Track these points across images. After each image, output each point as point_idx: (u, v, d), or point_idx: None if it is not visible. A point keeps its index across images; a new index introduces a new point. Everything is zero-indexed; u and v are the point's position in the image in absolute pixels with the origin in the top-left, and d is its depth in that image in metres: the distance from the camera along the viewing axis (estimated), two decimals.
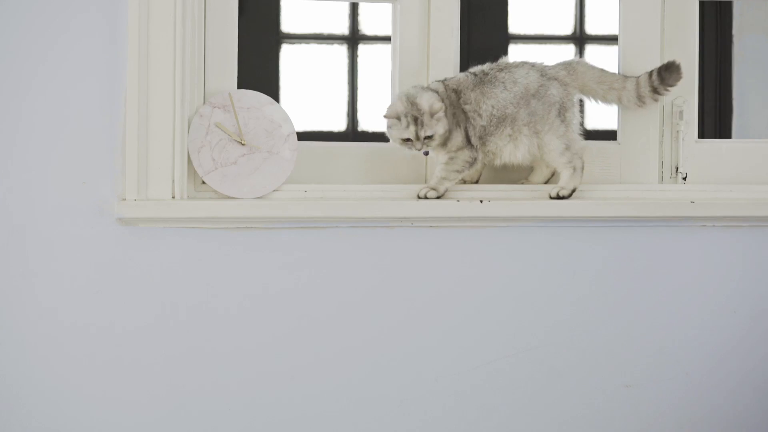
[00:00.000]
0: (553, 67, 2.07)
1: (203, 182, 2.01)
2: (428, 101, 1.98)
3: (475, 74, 2.04)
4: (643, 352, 2.08)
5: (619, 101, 2.09)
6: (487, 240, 2.04)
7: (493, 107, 2.02)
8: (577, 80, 2.07)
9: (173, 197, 1.95)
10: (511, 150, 2.03)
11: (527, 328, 2.05)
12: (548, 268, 2.05)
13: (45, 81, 1.93)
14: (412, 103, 1.98)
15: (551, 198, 2.02)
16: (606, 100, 2.10)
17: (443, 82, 2.04)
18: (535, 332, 2.06)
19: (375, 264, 2.02)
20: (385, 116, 2.00)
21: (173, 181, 1.95)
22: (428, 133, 1.98)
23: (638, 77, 2.08)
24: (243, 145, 2.00)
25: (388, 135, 2.01)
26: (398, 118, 1.98)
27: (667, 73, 2.07)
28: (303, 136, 2.13)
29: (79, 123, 1.94)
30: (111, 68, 1.94)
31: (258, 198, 1.99)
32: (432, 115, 1.97)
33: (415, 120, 1.97)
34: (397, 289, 2.02)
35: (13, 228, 1.94)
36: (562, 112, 2.03)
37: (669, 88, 2.08)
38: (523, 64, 2.05)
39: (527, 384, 2.06)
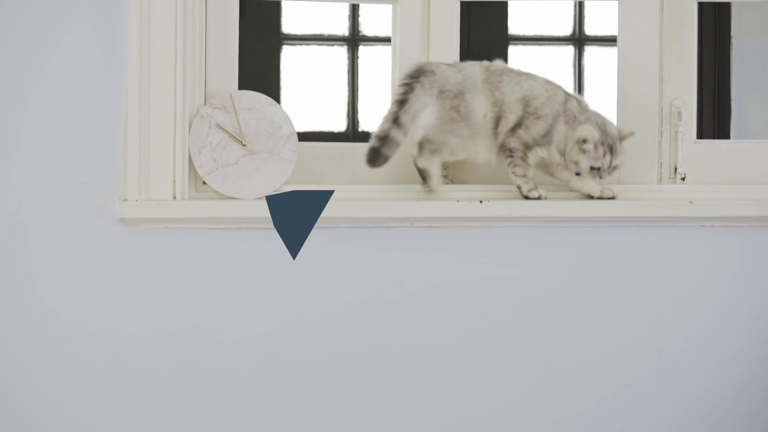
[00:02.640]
0: None
1: (204, 183, 2.01)
2: (616, 127, 1.99)
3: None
4: (643, 352, 2.08)
5: None
6: (487, 240, 2.04)
7: None
8: None
9: (174, 198, 1.96)
10: None
11: (527, 327, 2.06)
12: (547, 267, 2.06)
13: (47, 81, 1.94)
14: (603, 131, 1.96)
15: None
16: None
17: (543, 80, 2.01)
18: (535, 332, 2.06)
19: (375, 264, 2.02)
20: (585, 142, 1.94)
21: (174, 181, 1.96)
22: (617, 163, 1.98)
23: None
24: (244, 145, 2.00)
25: (573, 160, 1.97)
26: (595, 146, 1.95)
27: None
28: (303, 137, 2.14)
29: (81, 123, 1.95)
30: (112, 69, 1.94)
31: (259, 198, 1.99)
32: (621, 140, 1.97)
33: (611, 149, 1.96)
34: (396, 288, 2.03)
35: (14, 228, 1.94)
36: None
37: None
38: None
39: (527, 384, 2.06)
